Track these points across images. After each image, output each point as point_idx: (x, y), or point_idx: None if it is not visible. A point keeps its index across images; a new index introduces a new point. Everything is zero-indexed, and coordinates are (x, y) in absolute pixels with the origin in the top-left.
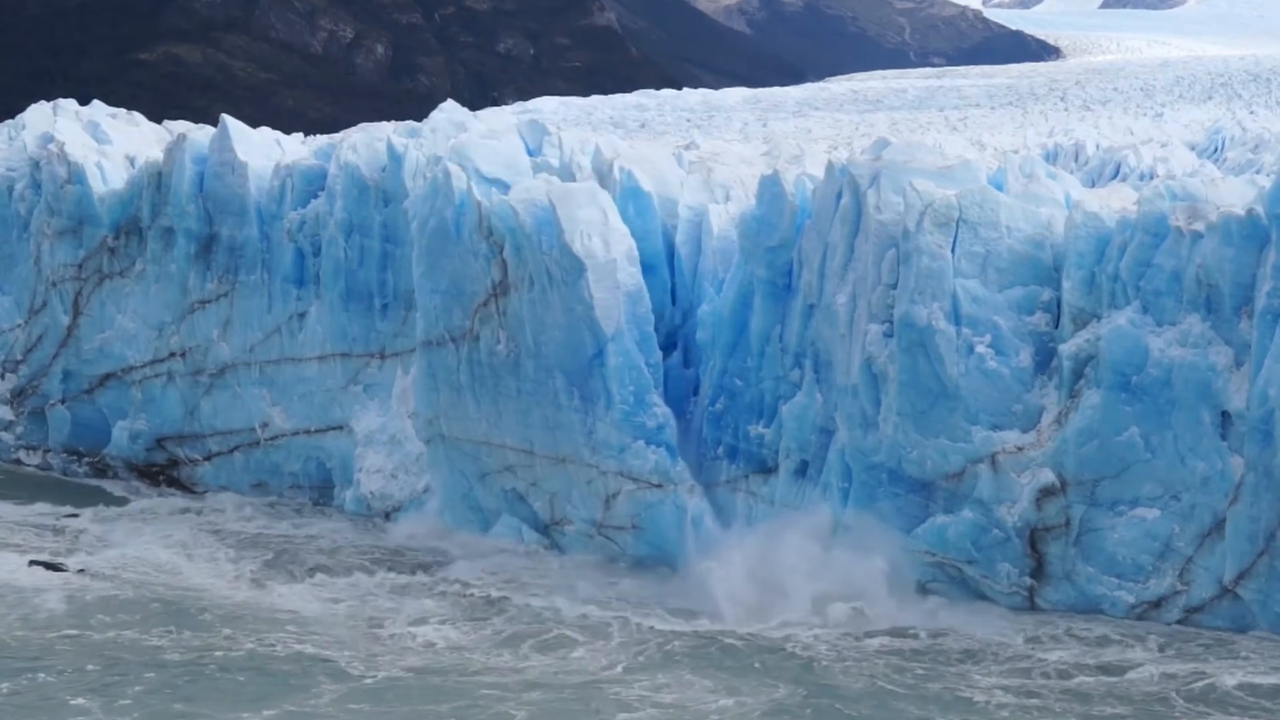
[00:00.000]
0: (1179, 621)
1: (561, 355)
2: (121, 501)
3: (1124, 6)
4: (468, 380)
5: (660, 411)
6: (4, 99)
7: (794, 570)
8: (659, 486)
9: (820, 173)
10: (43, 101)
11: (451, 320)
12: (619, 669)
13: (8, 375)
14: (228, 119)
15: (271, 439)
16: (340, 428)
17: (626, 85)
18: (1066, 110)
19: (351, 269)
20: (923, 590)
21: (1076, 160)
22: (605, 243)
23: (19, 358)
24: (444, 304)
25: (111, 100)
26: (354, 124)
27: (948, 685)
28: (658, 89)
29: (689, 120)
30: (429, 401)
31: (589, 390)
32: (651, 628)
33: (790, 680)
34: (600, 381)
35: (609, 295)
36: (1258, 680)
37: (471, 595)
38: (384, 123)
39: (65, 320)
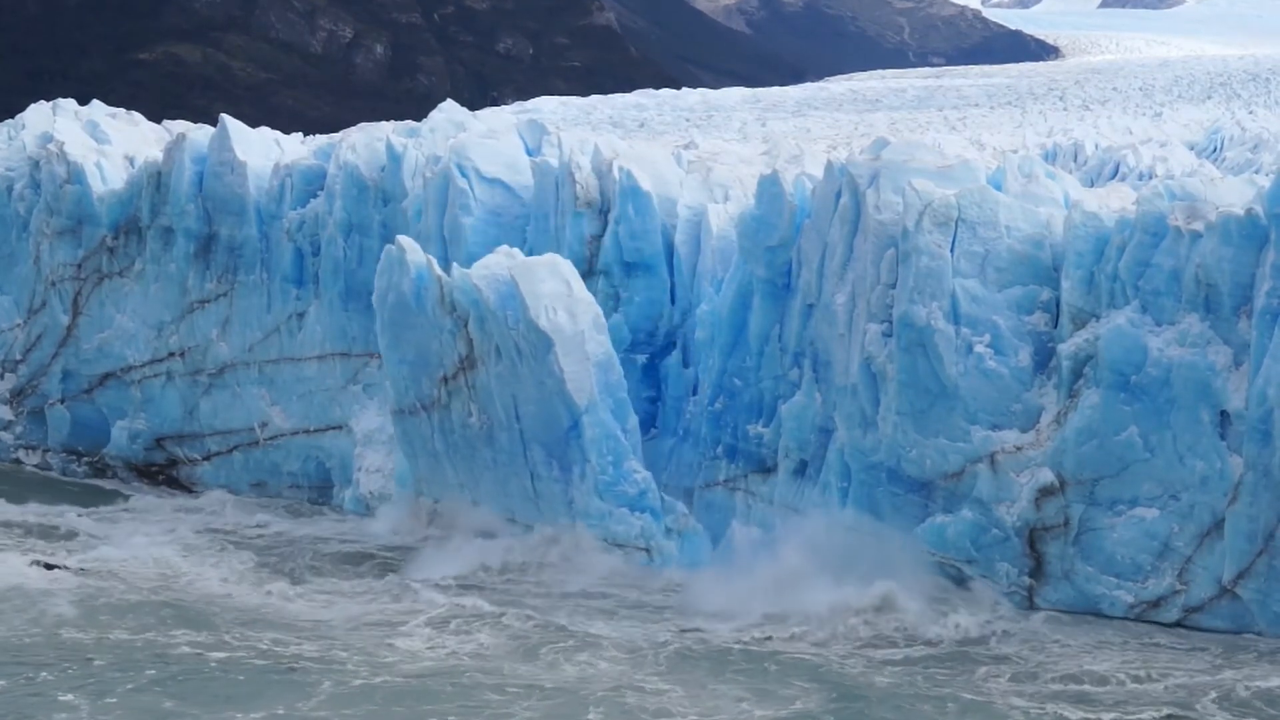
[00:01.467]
0: (1178, 621)
1: (536, 428)
2: (121, 501)
3: (1123, 6)
4: (443, 448)
5: (640, 477)
6: (4, 98)
7: (798, 575)
8: (646, 550)
9: (819, 172)
10: (42, 101)
11: (421, 389)
12: (635, 677)
13: (7, 375)
14: (227, 119)
15: (271, 438)
16: (339, 427)
17: (626, 85)
18: (1065, 110)
19: (351, 269)
20: (922, 590)
21: (1075, 160)
22: (571, 314)
23: (18, 357)
24: (412, 374)
25: (111, 100)
26: (353, 124)
27: (961, 689)
28: (657, 89)
29: (688, 120)
30: (409, 466)
31: (566, 460)
32: (664, 637)
33: (809, 686)
34: (578, 452)
35: (579, 367)
36: (1274, 686)
37: (477, 599)
38: (383, 122)
39: (64, 320)
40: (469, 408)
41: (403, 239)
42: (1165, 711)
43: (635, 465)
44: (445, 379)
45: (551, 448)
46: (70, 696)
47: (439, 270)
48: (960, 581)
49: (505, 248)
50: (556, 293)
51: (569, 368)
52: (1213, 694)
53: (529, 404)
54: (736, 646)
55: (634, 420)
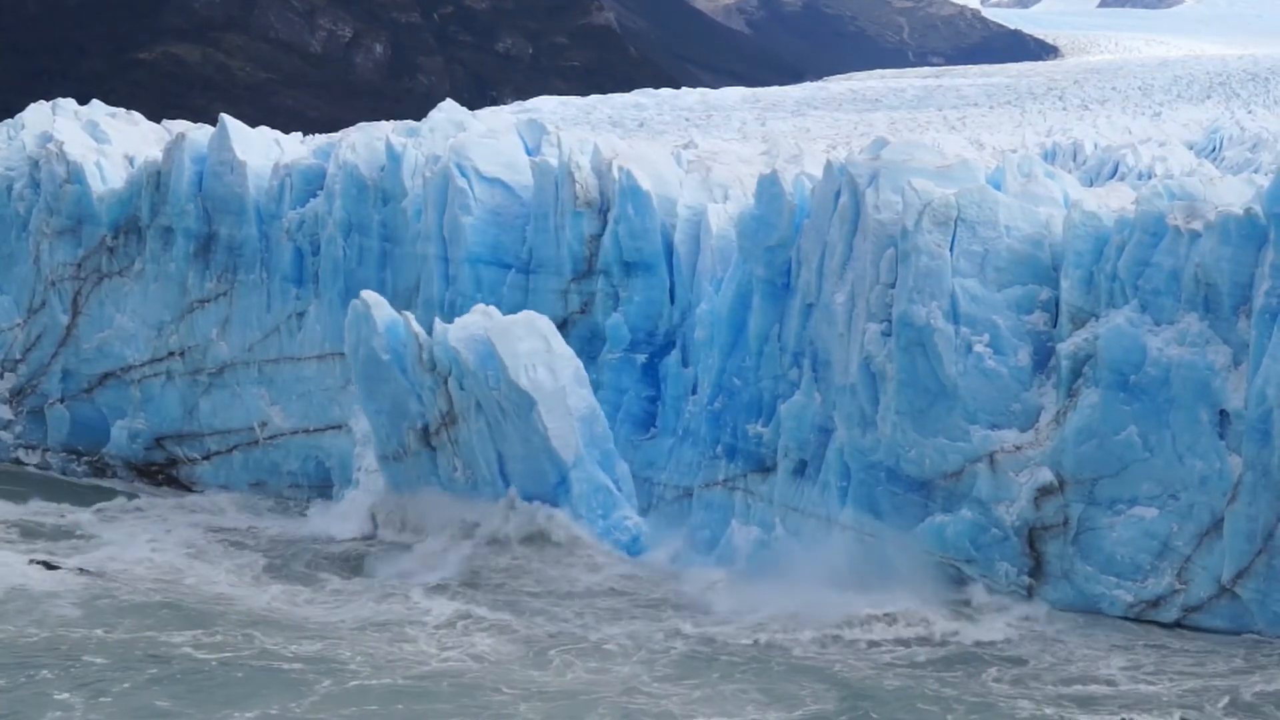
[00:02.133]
0: (1177, 621)
1: (524, 483)
2: (121, 501)
3: (1122, 6)
4: (431, 494)
5: (632, 523)
6: (3, 98)
7: (800, 577)
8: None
9: (819, 172)
10: (42, 101)
11: (402, 439)
12: (643, 679)
13: (7, 374)
14: (227, 118)
15: (270, 438)
16: (339, 427)
17: (625, 85)
18: (1065, 109)
19: (350, 268)
20: (922, 590)
21: (1075, 159)
22: (551, 371)
23: (18, 357)
24: (391, 423)
25: (111, 99)
26: (353, 123)
27: (969, 691)
28: (656, 88)
29: (687, 119)
30: (400, 505)
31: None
32: (670, 639)
33: (817, 688)
34: (567, 505)
35: (563, 423)
36: None
37: (481, 600)
38: (383, 122)
39: (64, 319)
40: (453, 462)
41: (367, 294)
42: (1177, 715)
43: (628, 512)
44: (427, 432)
45: (540, 502)
46: (66, 695)
47: (417, 327)
48: (960, 581)
49: (481, 306)
50: (535, 350)
51: (552, 425)
52: (1225, 699)
53: (515, 460)
54: (742, 648)
55: (623, 467)
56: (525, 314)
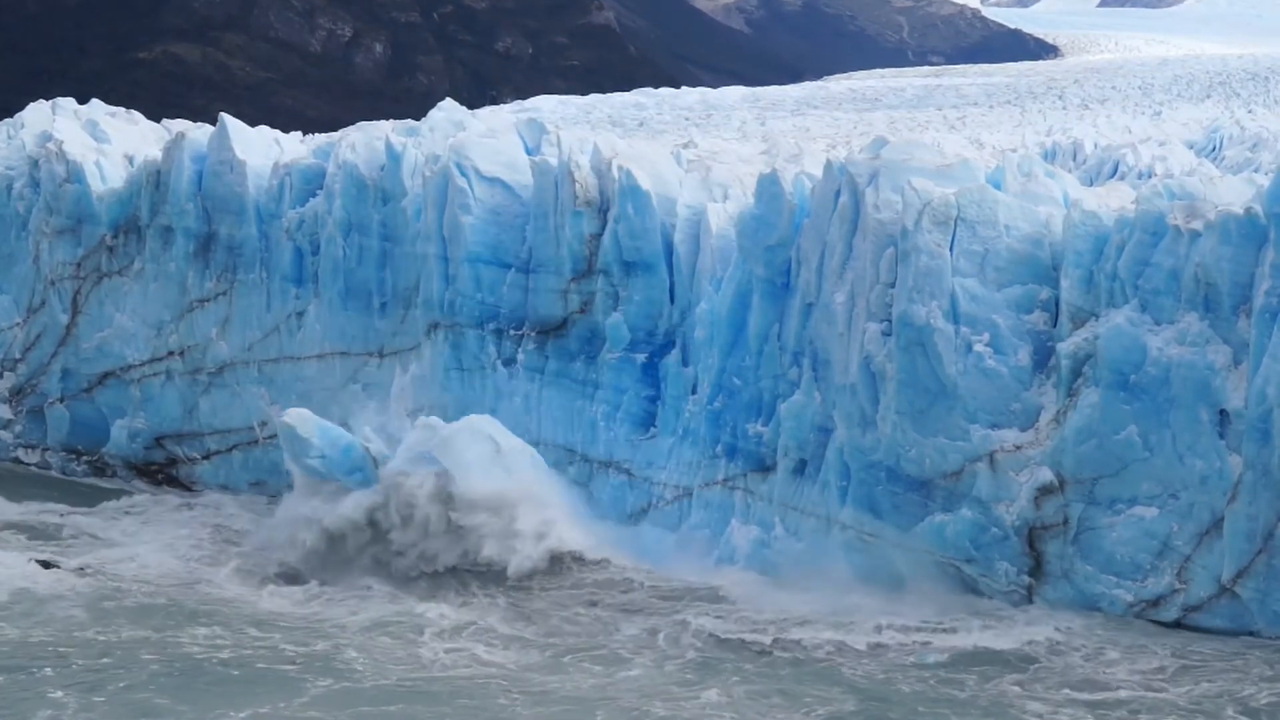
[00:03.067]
0: (1177, 620)
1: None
2: (120, 500)
3: (1122, 5)
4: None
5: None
6: (3, 97)
7: (801, 577)
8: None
9: (819, 171)
10: (41, 100)
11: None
12: (654, 681)
13: (6, 374)
14: (226, 118)
15: (270, 438)
16: (339, 426)
17: (625, 84)
18: (1065, 109)
19: (350, 268)
20: (922, 590)
21: (1075, 159)
22: (505, 469)
23: (18, 356)
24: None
25: (110, 99)
26: (353, 123)
27: (979, 693)
28: (656, 88)
29: (687, 119)
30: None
31: None
32: (678, 641)
33: (826, 690)
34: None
35: (530, 515)
36: None
37: (488, 603)
38: (382, 121)
39: (64, 319)
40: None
41: (291, 414)
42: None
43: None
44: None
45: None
46: (66, 694)
47: (370, 441)
48: (961, 581)
49: (423, 420)
50: (484, 455)
51: (523, 515)
52: (1237, 705)
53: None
54: (748, 650)
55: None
56: (467, 421)
